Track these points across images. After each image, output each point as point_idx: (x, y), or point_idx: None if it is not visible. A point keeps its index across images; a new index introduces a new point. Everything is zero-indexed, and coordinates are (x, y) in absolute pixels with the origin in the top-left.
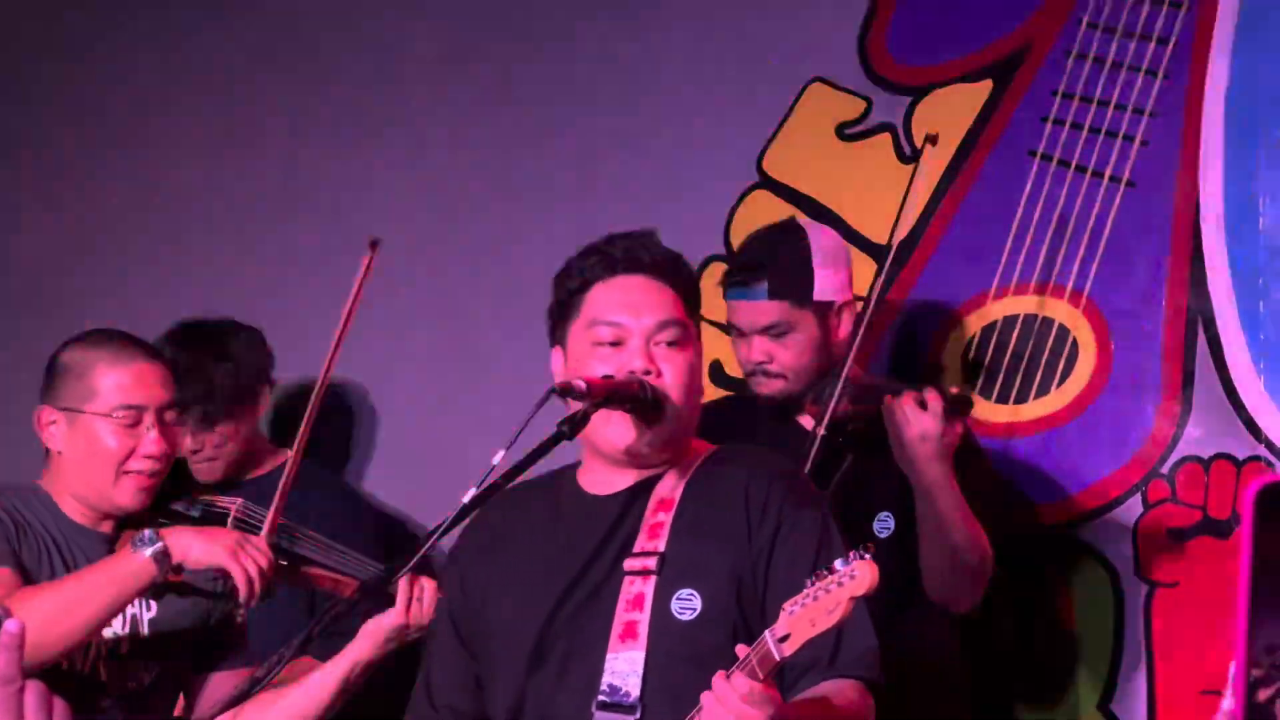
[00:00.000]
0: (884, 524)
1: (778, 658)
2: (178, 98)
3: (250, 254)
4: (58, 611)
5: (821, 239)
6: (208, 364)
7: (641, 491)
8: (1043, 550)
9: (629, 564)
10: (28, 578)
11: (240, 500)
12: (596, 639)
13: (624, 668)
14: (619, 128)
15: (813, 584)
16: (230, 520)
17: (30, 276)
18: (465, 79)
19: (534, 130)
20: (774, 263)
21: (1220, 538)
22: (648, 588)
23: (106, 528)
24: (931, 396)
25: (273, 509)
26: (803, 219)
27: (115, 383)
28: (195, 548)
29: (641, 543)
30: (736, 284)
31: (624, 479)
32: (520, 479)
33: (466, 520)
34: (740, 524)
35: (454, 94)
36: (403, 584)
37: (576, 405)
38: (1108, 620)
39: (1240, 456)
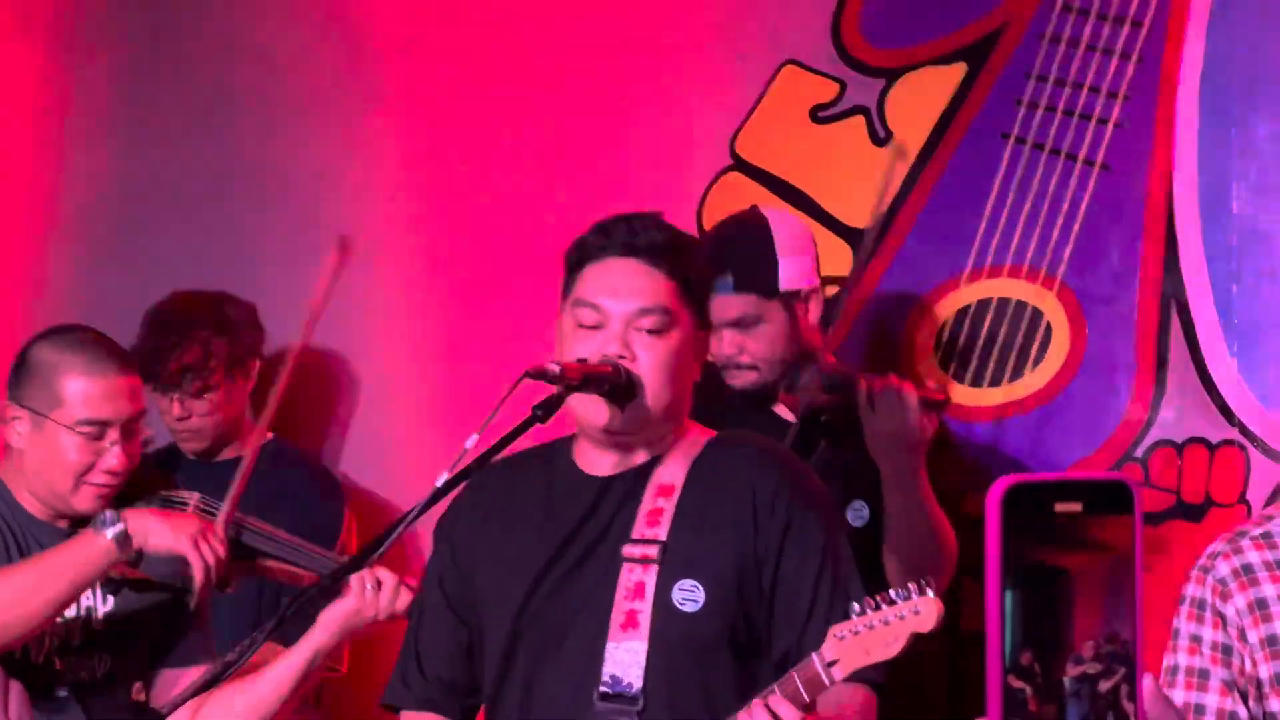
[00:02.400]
0: (858, 512)
1: (827, 683)
2: (149, 82)
3: (223, 240)
4: (18, 594)
5: (783, 227)
6: (205, 332)
7: (640, 475)
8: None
9: (628, 551)
10: None
11: (198, 494)
12: (594, 626)
13: (626, 658)
14: (591, 110)
15: (868, 611)
16: (190, 512)
17: None
18: (437, 62)
19: (506, 114)
20: (737, 256)
21: (1194, 521)
22: (649, 577)
23: (64, 523)
24: (908, 390)
25: (229, 500)
26: (765, 206)
27: (83, 395)
28: (156, 532)
29: (641, 529)
30: None
31: (614, 459)
32: (511, 450)
33: (439, 503)
34: (747, 518)
35: (426, 77)
36: (355, 576)
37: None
38: None
39: (1213, 440)
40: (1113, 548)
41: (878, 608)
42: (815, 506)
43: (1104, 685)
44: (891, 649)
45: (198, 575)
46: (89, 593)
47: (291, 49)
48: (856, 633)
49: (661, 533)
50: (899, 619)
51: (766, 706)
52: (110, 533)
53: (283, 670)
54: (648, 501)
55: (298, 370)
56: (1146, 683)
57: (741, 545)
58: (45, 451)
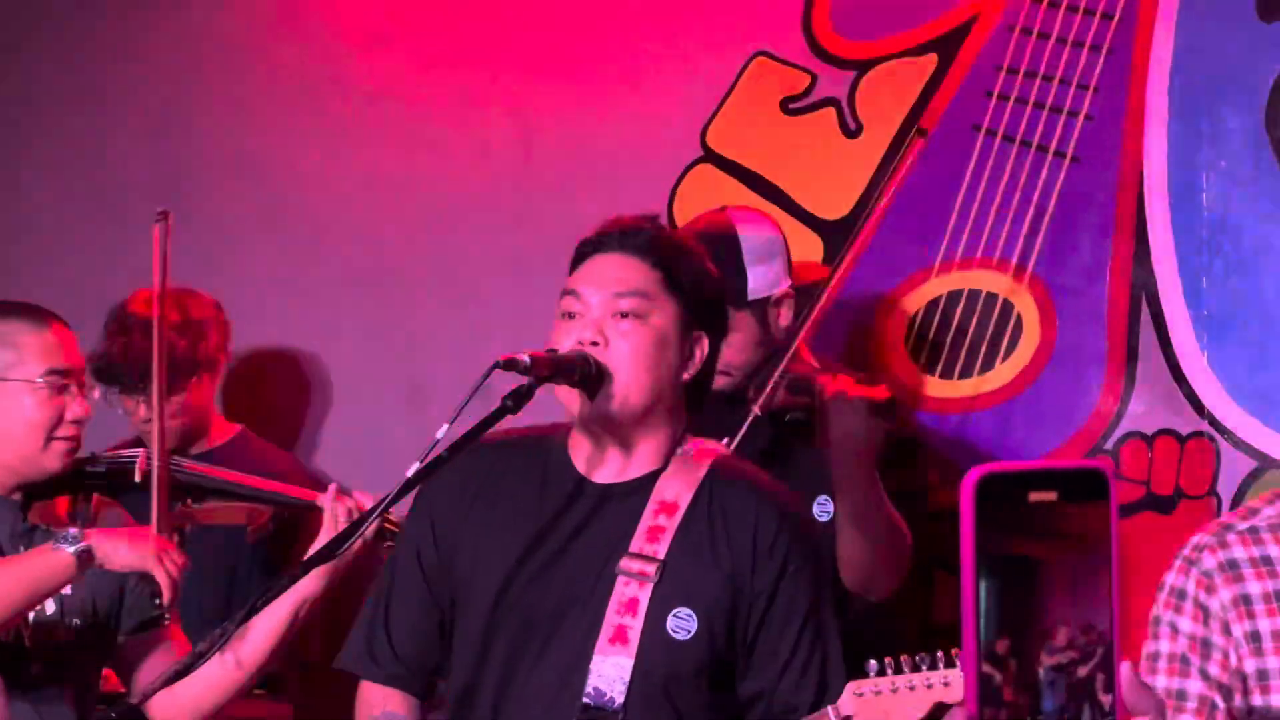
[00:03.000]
0: (824, 507)
1: None
2: (114, 74)
3: (191, 233)
4: None
5: (752, 234)
6: (164, 330)
7: (641, 487)
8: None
9: (625, 564)
10: None
11: (143, 450)
12: (577, 635)
13: (611, 673)
14: (561, 101)
15: (891, 673)
16: (137, 469)
17: None
18: (403, 52)
19: (475, 104)
20: None
21: (1164, 513)
22: (643, 594)
23: (18, 496)
24: (856, 395)
25: (155, 504)
26: (735, 209)
27: (41, 346)
28: (120, 552)
29: (639, 544)
30: None
31: (615, 463)
32: (505, 434)
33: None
34: (746, 557)
35: (391, 67)
36: (328, 506)
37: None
38: None
39: (1183, 432)
40: (1087, 536)
41: (900, 670)
42: (811, 557)
43: (1080, 673)
44: (912, 715)
45: (165, 590)
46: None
47: (258, 39)
48: (878, 692)
49: (660, 551)
50: (926, 687)
51: None
52: (72, 549)
53: (271, 621)
54: (648, 516)
55: (270, 366)
56: (1124, 669)
57: (738, 581)
58: (9, 413)
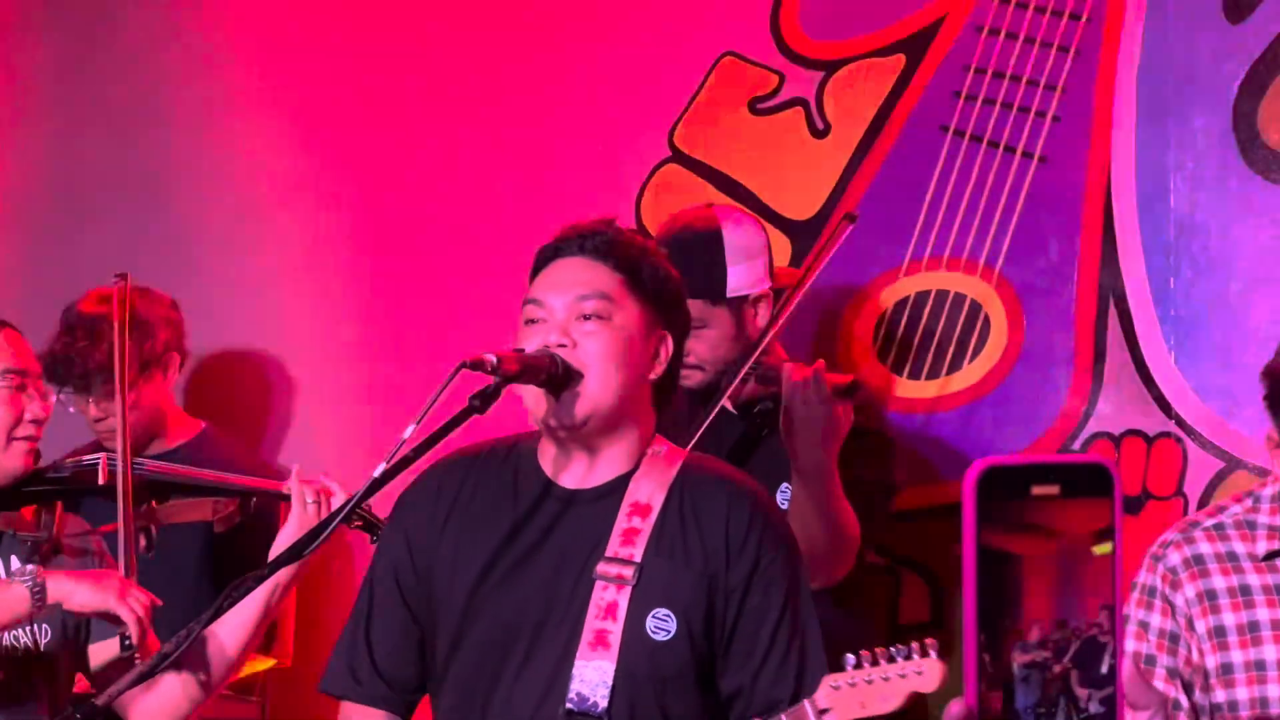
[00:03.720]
0: (785, 495)
1: None
2: (83, 74)
3: (159, 232)
4: None
5: (736, 233)
6: (108, 329)
7: (613, 490)
8: (953, 525)
9: (602, 569)
10: None
11: (104, 454)
12: (562, 640)
13: (594, 677)
14: (528, 102)
15: (865, 664)
16: (101, 471)
17: None
18: (369, 54)
19: (441, 109)
20: (686, 261)
21: (1131, 514)
22: (621, 597)
23: None
24: (818, 380)
25: (121, 522)
26: (720, 207)
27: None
28: (81, 593)
29: (614, 548)
30: None
31: (584, 468)
32: (475, 446)
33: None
34: (720, 553)
35: (362, 74)
36: (295, 490)
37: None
38: None
39: (1151, 433)
40: (1088, 531)
41: (876, 663)
42: (784, 551)
43: (1055, 669)
44: (888, 705)
45: (133, 630)
46: (16, 565)
47: (226, 41)
48: (853, 684)
49: (636, 554)
50: (900, 677)
51: None
52: (27, 585)
53: (243, 612)
54: (623, 519)
55: (237, 365)
56: (1126, 664)
57: (713, 578)
58: None
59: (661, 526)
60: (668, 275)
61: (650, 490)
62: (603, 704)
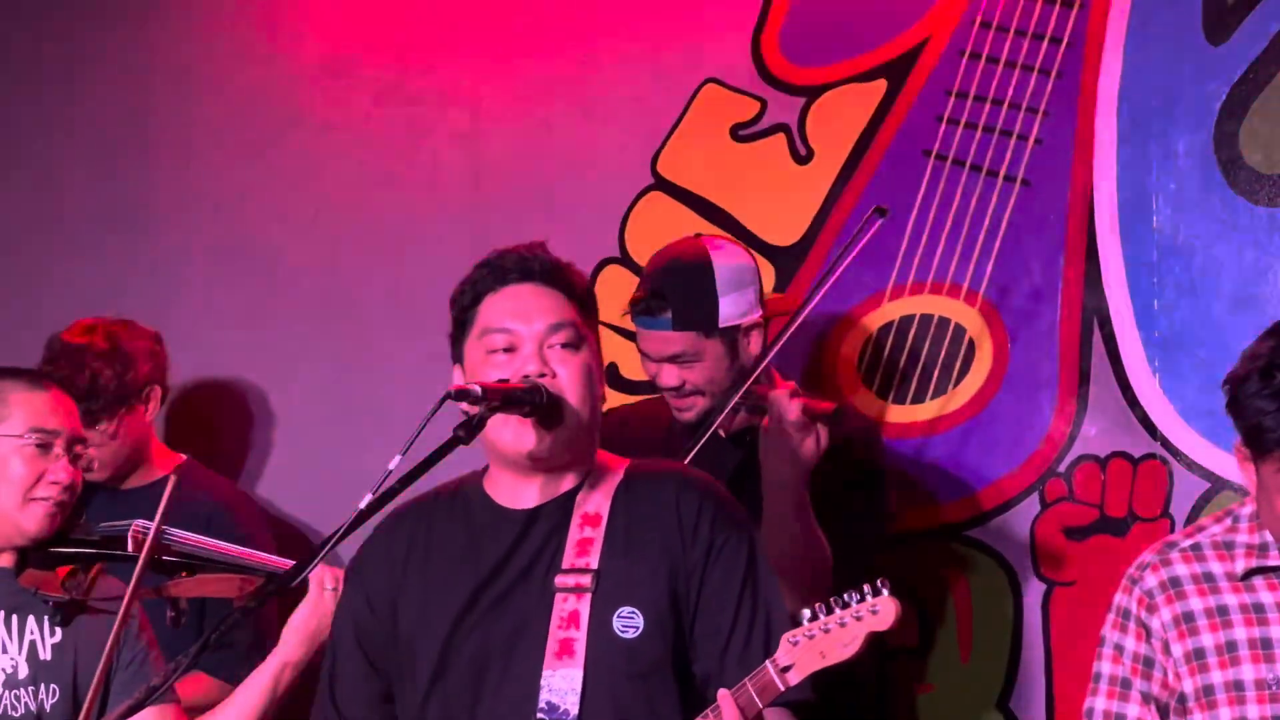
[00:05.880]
0: None
1: (781, 688)
2: (68, 103)
3: (144, 264)
4: None
5: (726, 264)
6: (96, 362)
7: (563, 505)
8: (941, 549)
9: (560, 581)
10: None
11: (136, 523)
12: (529, 657)
13: (562, 685)
14: (511, 130)
15: (821, 615)
16: (129, 540)
17: None
18: (355, 83)
19: (426, 135)
20: (678, 294)
21: (1118, 535)
22: (583, 605)
23: (7, 560)
24: (796, 403)
25: (154, 526)
26: (710, 239)
27: (30, 405)
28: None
29: (570, 559)
30: (642, 312)
31: (536, 491)
32: (417, 490)
33: (364, 524)
34: (675, 541)
35: (343, 98)
36: (314, 576)
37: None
38: (1006, 619)
39: (1136, 454)
40: None
41: (830, 611)
42: (738, 530)
43: None
44: (848, 650)
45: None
46: (33, 625)
47: (210, 72)
48: (811, 636)
49: (593, 561)
50: (855, 620)
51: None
52: None
53: (251, 693)
54: (575, 531)
55: (222, 396)
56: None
57: (672, 569)
58: None
59: (613, 530)
60: (594, 295)
61: (597, 500)
62: (574, 710)
